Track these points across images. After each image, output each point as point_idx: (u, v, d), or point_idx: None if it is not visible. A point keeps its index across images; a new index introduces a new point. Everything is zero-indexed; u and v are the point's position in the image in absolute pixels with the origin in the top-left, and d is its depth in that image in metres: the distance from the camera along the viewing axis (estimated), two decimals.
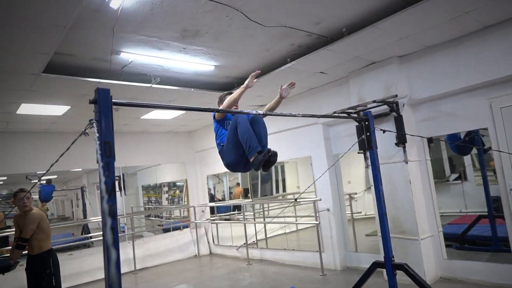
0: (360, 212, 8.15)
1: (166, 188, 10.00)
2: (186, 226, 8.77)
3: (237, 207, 8.77)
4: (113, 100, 1.90)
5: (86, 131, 1.99)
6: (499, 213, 4.58)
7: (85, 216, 9.01)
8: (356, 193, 7.57)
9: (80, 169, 8.17)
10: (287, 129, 6.59)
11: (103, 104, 1.82)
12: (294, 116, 3.21)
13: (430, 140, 5.14)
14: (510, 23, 3.95)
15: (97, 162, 1.85)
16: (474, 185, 7.62)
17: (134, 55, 4.22)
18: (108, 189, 1.84)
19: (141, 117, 6.82)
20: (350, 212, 6.64)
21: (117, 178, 8.69)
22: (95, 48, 3.97)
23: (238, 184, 8.97)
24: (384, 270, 3.51)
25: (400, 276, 3.73)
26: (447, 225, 6.91)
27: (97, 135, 1.85)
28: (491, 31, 4.10)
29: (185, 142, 9.06)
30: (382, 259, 3.61)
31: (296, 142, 6.50)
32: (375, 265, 3.57)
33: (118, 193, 8.69)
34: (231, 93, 3.18)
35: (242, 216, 7.47)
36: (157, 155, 8.59)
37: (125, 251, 7.37)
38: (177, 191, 9.75)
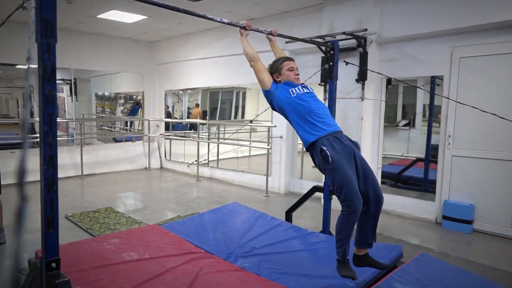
0: None
1: (122, 101, 9.62)
2: (139, 139, 8.68)
3: (193, 127, 8.74)
4: None
5: (24, 5, 1.76)
6: (434, 159, 4.98)
7: (31, 116, 8.56)
8: None
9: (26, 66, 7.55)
10: None
11: None
12: (260, 32, 3.06)
13: (388, 82, 5.26)
14: None
15: (36, 42, 1.68)
16: (420, 133, 8.11)
17: None
18: (47, 73, 1.70)
19: (98, 16, 6.23)
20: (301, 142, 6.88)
21: (68, 81, 8.17)
22: None
23: (197, 104, 8.82)
24: (322, 195, 3.75)
25: (335, 202, 4.04)
26: (387, 165, 7.44)
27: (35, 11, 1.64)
28: None
29: (145, 52, 8.55)
30: (323, 185, 3.85)
31: None
32: (315, 189, 3.81)
33: (69, 98, 8.27)
34: (287, 59, 2.69)
35: (196, 136, 7.48)
36: (113, 62, 8.08)
37: (73, 156, 7.24)
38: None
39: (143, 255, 2.83)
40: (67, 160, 7.18)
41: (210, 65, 7.34)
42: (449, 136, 4.44)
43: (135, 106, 9.19)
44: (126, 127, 9.76)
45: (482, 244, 3.94)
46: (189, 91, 8.67)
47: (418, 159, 6.35)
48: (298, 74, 2.62)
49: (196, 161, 7.23)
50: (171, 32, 7.54)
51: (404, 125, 8.34)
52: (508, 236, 4.07)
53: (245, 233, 3.49)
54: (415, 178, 6.11)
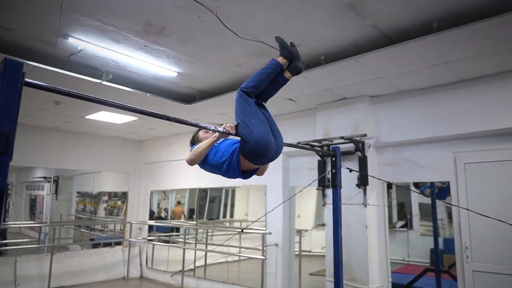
0: (310, 251, 7.82)
1: (105, 197, 9.08)
2: (119, 243, 7.90)
3: (176, 229, 8.09)
4: (26, 79, 1.39)
5: None
6: (444, 269, 4.46)
7: (4, 218, 7.86)
8: (307, 230, 7.26)
9: None
10: None
11: (8, 79, 1.30)
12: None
13: (389, 186, 4.99)
14: (483, 81, 3.94)
15: None
16: (418, 235, 7.66)
17: (85, 43, 3.65)
18: None
19: (86, 117, 6.10)
20: (298, 249, 6.28)
21: (49, 179, 7.73)
22: (39, 25, 3.37)
23: (178, 202, 8.32)
24: None
25: None
26: (392, 272, 6.78)
27: None
28: (464, 86, 4.07)
29: (132, 151, 8.33)
30: None
31: None
32: None
33: (49, 196, 7.72)
34: (203, 129, 2.73)
35: (182, 239, 6.81)
36: (99, 161, 7.77)
37: (41, 264, 6.39)
38: (118, 202, 8.86)
39: None
40: (33, 270, 6.31)
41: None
42: (466, 248, 3.99)
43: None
44: (106, 229, 9.00)
45: None
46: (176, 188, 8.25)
47: (428, 269, 5.76)
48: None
49: (180, 270, 6.44)
50: (161, 132, 7.43)
51: (401, 226, 7.93)
52: None
53: None
54: None
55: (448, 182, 4.28)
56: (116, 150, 8.02)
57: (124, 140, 8.17)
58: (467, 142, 4.17)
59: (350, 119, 4.76)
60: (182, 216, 8.05)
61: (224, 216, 8.60)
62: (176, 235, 8.03)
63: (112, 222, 8.48)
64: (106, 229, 8.82)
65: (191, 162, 2.48)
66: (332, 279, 4.17)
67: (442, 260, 5.96)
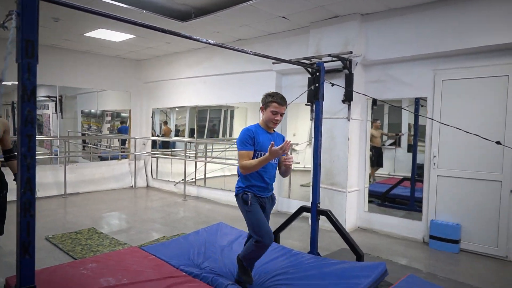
0: (299, 163, 8.45)
1: (108, 118, 9.54)
2: (125, 157, 8.56)
3: (166, 146, 8.72)
4: None
5: (5, 24, 1.73)
6: (420, 178, 5.02)
7: (14, 133, 8.40)
8: (297, 144, 7.80)
9: (10, 83, 7.44)
10: (241, 71, 6.46)
11: None
12: (246, 53, 3.08)
13: (374, 102, 5.34)
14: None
15: (16, 62, 1.65)
16: (405, 152, 8.23)
17: None
18: (27, 93, 1.66)
19: (85, 34, 6.22)
20: None
21: (53, 98, 8.08)
22: None
23: (165, 122, 8.81)
24: (310, 215, 3.72)
25: (323, 222, 4.03)
26: (375, 183, 7.48)
27: (14, 32, 1.61)
28: (449, 4, 4.18)
29: (132, 71, 8.54)
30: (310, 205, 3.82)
31: (248, 87, 6.43)
32: (302, 209, 3.78)
33: (54, 115, 8.15)
34: (277, 100, 2.65)
35: (183, 154, 7.41)
36: (100, 79, 8.04)
37: (56, 174, 7.08)
38: (117, 123, 9.34)
39: (121, 280, 2.74)
40: (50, 179, 7.01)
41: (198, 84, 7.36)
42: (434, 156, 4.49)
43: (123, 126, 9.11)
44: (112, 146, 9.62)
45: (469, 264, 3.94)
46: (177, 109, 8.65)
47: (405, 178, 6.40)
48: (277, 120, 2.68)
49: (183, 180, 7.14)
50: (159, 51, 7.57)
51: (390, 145, 8.46)
52: (495, 256, 4.08)
53: (230, 255, 3.42)
54: (402, 197, 6.14)
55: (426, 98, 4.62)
56: (116, 69, 8.23)
57: (124, 59, 8.33)
58: (447, 60, 4.41)
59: (341, 37, 4.92)
60: (170, 135, 8.62)
61: (224, 135, 9.12)
62: (178, 151, 8.65)
63: (118, 137, 9.05)
64: (112, 145, 9.46)
65: (243, 171, 2.59)
66: (322, 186, 4.77)
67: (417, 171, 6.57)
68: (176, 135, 8.84)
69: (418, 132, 6.25)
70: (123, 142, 9.31)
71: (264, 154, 2.52)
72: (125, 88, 8.50)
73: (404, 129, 8.21)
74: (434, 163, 4.49)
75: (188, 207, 6.48)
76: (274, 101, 2.64)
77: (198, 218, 5.63)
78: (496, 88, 4.08)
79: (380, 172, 7.95)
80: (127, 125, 8.92)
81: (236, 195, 2.75)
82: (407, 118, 7.96)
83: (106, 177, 7.87)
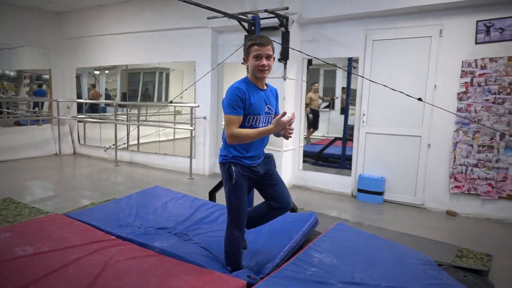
0: None
1: (27, 81, 8.51)
2: (47, 122, 7.80)
3: (94, 110, 8.11)
4: None
5: None
6: (352, 138, 5.26)
7: None
8: None
9: None
10: (175, 28, 6.08)
11: None
12: None
13: (309, 63, 5.38)
14: None
15: None
16: (339, 114, 8.58)
17: None
18: None
19: None
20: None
21: None
22: None
23: (93, 85, 8.13)
24: None
25: None
26: (309, 144, 7.75)
27: None
28: None
29: (51, 25, 7.61)
30: None
31: (183, 45, 6.10)
32: None
33: None
34: (256, 41, 2.13)
35: (113, 118, 6.93)
36: (11, 34, 7.05)
37: None
38: (44, 86, 8.38)
39: (41, 248, 2.50)
40: None
41: (128, 40, 6.80)
42: (363, 114, 4.70)
43: (39, 90, 8.18)
44: (32, 110, 8.67)
45: (391, 213, 4.28)
46: (106, 71, 7.97)
47: (337, 138, 6.69)
48: (264, 66, 2.11)
49: (113, 145, 6.73)
50: (81, 3, 6.80)
51: (325, 107, 8.75)
52: (413, 204, 4.48)
53: (166, 216, 3.32)
54: (334, 156, 6.44)
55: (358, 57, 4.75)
56: (31, 23, 7.26)
57: (39, 11, 7.36)
58: (378, 20, 4.53)
59: None
60: (100, 99, 7.99)
61: (159, 100, 8.68)
62: (109, 115, 8.07)
63: (36, 99, 8.17)
64: (31, 110, 8.53)
65: (232, 141, 2.12)
66: None
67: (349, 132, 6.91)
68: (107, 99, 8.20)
69: (350, 95, 6.50)
70: (39, 106, 8.42)
71: (257, 118, 2.14)
72: (42, 44, 7.59)
73: (338, 93, 8.52)
74: (363, 121, 4.71)
75: (121, 172, 6.16)
76: (254, 44, 2.12)
77: (131, 183, 5.38)
78: (421, 48, 4.30)
79: (315, 134, 8.24)
80: (45, 88, 8.05)
81: (220, 162, 2.29)
82: (341, 82, 8.24)
83: (25, 144, 7.13)
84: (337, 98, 8.23)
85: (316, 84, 7.72)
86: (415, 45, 4.33)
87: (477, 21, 3.98)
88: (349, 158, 5.28)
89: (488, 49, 3.96)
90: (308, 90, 7.11)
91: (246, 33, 4.93)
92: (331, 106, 8.64)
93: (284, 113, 2.04)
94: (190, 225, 3.10)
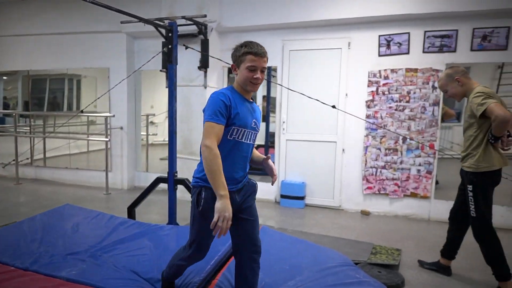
0: (156, 134, 8.10)
1: None
2: None
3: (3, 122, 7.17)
4: None
5: None
6: (273, 144, 5.38)
7: None
8: (154, 114, 7.41)
9: None
10: (85, 31, 5.62)
11: None
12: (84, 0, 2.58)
13: (230, 71, 5.38)
14: None
15: None
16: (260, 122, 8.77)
17: None
18: None
19: None
20: (146, 134, 6.49)
21: None
22: None
23: None
24: (167, 186, 3.55)
25: (184, 193, 3.91)
26: None
27: None
28: None
29: None
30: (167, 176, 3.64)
31: (94, 50, 5.66)
32: (158, 180, 3.57)
33: None
34: (252, 50, 1.85)
35: (13, 130, 6.14)
36: None
37: None
38: None
39: None
40: None
41: (29, 43, 6.10)
42: (283, 122, 4.85)
43: None
44: None
45: (312, 216, 4.46)
46: (4, 77, 7.05)
47: (259, 145, 6.80)
48: (258, 80, 1.85)
49: (14, 160, 5.95)
50: None
51: None
52: (332, 207, 4.74)
53: (77, 239, 3.00)
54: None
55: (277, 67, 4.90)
56: None
57: None
58: (294, 31, 4.74)
59: (195, 1, 4.73)
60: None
61: (70, 109, 7.94)
62: (8, 126, 7.13)
63: None
64: None
65: (205, 155, 1.74)
66: (180, 155, 4.60)
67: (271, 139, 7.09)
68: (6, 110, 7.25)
69: (270, 103, 6.67)
70: None
71: (243, 131, 1.84)
72: None
73: (259, 101, 8.70)
74: (284, 129, 4.86)
75: (23, 191, 5.46)
76: (249, 52, 1.83)
77: (36, 204, 4.79)
78: (333, 59, 4.59)
79: None
80: None
81: (192, 185, 1.96)
82: (261, 91, 8.42)
83: None
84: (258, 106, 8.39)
85: None
86: (328, 56, 4.61)
87: (379, 36, 4.38)
88: None
89: (390, 61, 4.39)
90: None
91: (164, 40, 4.77)
92: None
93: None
94: (105, 247, 2.84)
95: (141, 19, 3.44)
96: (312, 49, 4.68)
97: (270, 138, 6.39)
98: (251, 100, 1.96)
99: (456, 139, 7.48)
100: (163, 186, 3.65)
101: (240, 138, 1.85)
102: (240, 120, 1.82)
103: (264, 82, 6.05)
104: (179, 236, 3.07)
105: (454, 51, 4.15)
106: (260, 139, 7.90)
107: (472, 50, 4.09)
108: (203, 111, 1.84)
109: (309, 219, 4.36)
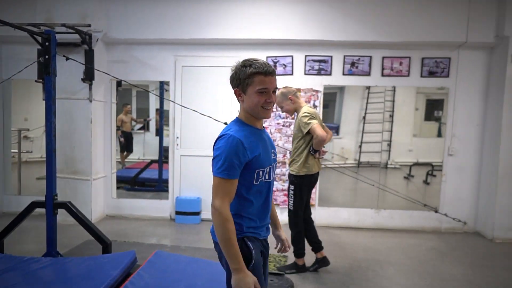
0: (31, 152, 7.17)
1: None
2: None
3: None
4: None
5: None
6: (167, 160, 5.27)
7: None
8: (28, 129, 6.58)
9: None
10: None
11: None
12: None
13: (118, 84, 5.13)
14: None
15: None
16: (154, 136, 8.47)
17: None
18: None
19: None
20: (17, 151, 5.69)
21: None
22: None
23: None
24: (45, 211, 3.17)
25: (66, 216, 3.53)
26: (124, 169, 7.33)
27: None
28: None
29: None
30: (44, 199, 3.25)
31: None
32: (34, 204, 3.16)
33: None
34: (261, 70, 1.52)
35: None
36: None
37: None
38: None
39: None
40: None
41: None
42: (177, 137, 4.80)
43: None
44: None
45: (208, 231, 4.46)
46: None
47: (153, 161, 6.58)
48: (271, 104, 1.56)
49: None
50: None
51: (139, 129, 8.51)
52: None
53: None
54: (151, 180, 6.29)
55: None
56: None
57: None
58: (187, 47, 4.76)
59: (78, 7, 4.40)
60: None
61: None
62: None
63: None
64: None
65: (216, 220, 1.48)
66: (62, 175, 4.14)
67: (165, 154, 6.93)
68: None
69: (164, 116, 6.54)
70: None
71: (267, 170, 1.57)
72: None
73: (152, 114, 8.43)
74: (178, 144, 4.81)
75: None
76: (258, 72, 1.51)
77: None
78: (225, 77, 4.71)
79: (130, 157, 7.88)
80: None
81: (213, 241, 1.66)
82: (154, 103, 8.19)
83: None
84: (150, 119, 8.15)
85: (128, 106, 7.44)
86: (220, 73, 4.75)
87: (267, 57, 4.71)
88: (166, 181, 5.26)
89: (277, 81, 4.73)
90: (120, 111, 6.80)
91: (40, 47, 4.30)
92: (145, 127, 8.48)
93: None
94: None
95: (9, 24, 3.05)
96: (205, 66, 4.77)
97: (165, 153, 6.25)
98: (262, 127, 1.66)
99: (336, 150, 8.48)
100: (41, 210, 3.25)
101: (267, 178, 1.59)
102: (262, 162, 1.55)
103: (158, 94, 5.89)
104: (58, 269, 2.73)
105: (330, 74, 4.71)
106: (154, 154, 7.66)
107: (344, 74, 4.71)
108: (212, 161, 1.52)
109: (206, 234, 4.36)
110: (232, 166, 1.45)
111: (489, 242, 4.35)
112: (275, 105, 1.90)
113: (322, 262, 3.35)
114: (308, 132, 3.06)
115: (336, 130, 8.94)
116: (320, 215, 4.77)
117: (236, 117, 1.63)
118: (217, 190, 1.48)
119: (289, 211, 3.26)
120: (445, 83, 4.64)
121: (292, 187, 3.21)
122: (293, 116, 3.52)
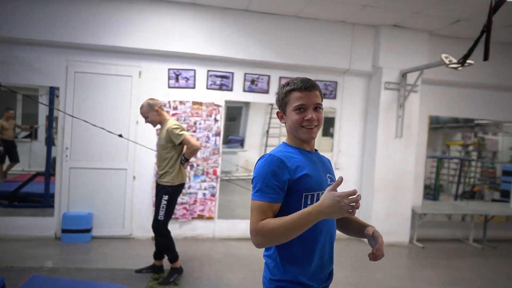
0: None
1: None
2: None
3: None
4: None
5: None
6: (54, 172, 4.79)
7: None
8: None
9: None
10: None
11: None
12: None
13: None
14: None
15: None
16: (43, 145, 7.65)
17: None
18: None
19: None
20: None
21: None
22: None
23: None
24: None
25: None
26: (3, 182, 6.46)
27: None
28: None
29: None
30: None
31: None
32: None
33: None
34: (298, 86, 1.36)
35: None
36: None
37: None
38: None
39: None
40: None
41: None
42: (67, 148, 4.42)
43: None
44: None
45: (99, 249, 4.18)
46: None
47: (39, 173, 5.91)
48: (311, 122, 1.36)
49: None
50: None
51: (25, 137, 7.64)
52: (122, 236, 4.58)
53: None
54: (36, 194, 5.64)
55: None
56: None
57: None
58: (81, 52, 4.45)
59: None
60: None
61: None
62: None
63: None
64: None
65: (260, 242, 1.23)
66: None
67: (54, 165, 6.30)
68: None
69: (53, 124, 5.96)
70: None
71: (319, 195, 1.25)
72: None
73: (42, 120, 7.63)
74: (67, 155, 4.43)
75: None
76: (293, 89, 1.37)
77: None
78: (123, 86, 4.56)
79: (14, 168, 7.00)
80: None
81: None
82: (45, 109, 7.43)
83: None
84: (39, 126, 7.38)
85: (11, 111, 6.63)
86: (119, 82, 4.55)
87: (169, 69, 4.67)
88: (53, 196, 4.78)
89: (178, 94, 4.72)
90: (0, 117, 6.05)
91: None
92: (33, 135, 7.63)
93: (341, 179, 1.23)
94: None
95: None
96: (102, 74, 4.51)
97: (53, 164, 5.67)
98: (315, 150, 1.48)
99: (241, 162, 8.70)
100: None
101: None
102: (312, 184, 1.32)
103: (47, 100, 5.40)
104: None
105: (231, 90, 4.87)
106: (41, 166, 6.91)
107: (244, 90, 4.91)
108: (252, 184, 1.32)
109: (96, 253, 4.07)
110: (270, 187, 1.26)
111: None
112: None
113: (157, 268, 3.49)
114: (180, 143, 3.21)
115: (241, 143, 9.23)
116: (220, 227, 4.84)
117: (282, 143, 1.46)
118: (252, 216, 1.26)
119: (159, 221, 3.30)
120: (333, 104, 5.17)
121: (166, 197, 3.27)
122: (156, 127, 3.67)
